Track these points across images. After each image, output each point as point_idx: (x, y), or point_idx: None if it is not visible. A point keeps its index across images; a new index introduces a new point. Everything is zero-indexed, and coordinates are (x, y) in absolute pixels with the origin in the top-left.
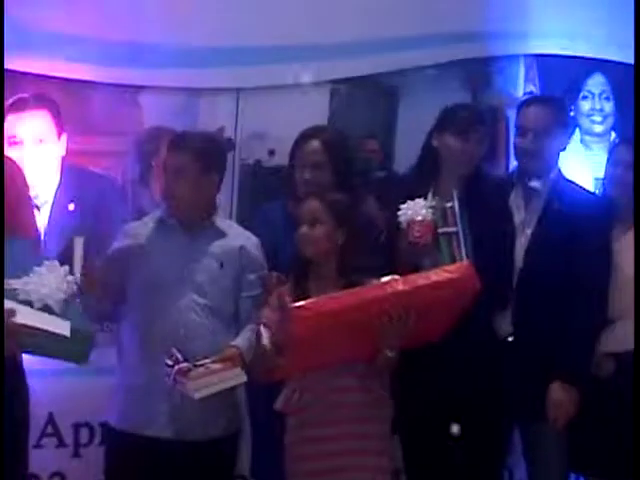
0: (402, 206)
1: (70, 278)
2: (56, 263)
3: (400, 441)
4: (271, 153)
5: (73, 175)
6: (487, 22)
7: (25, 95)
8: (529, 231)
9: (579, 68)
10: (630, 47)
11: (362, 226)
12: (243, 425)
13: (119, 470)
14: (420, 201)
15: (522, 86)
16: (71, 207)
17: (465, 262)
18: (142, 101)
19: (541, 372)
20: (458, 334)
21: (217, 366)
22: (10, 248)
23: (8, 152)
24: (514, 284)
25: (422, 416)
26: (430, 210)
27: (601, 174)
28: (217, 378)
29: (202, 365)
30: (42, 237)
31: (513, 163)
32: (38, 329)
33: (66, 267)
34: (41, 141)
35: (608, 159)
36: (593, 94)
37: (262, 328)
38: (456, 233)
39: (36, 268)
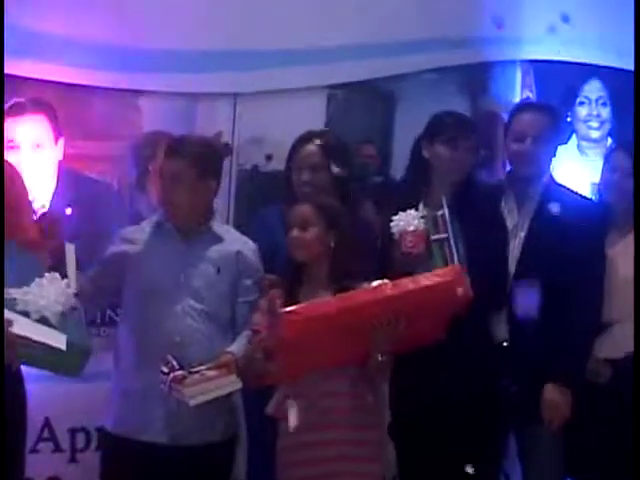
0: (394, 217)
1: (70, 291)
2: (57, 275)
3: (395, 447)
4: (268, 158)
5: (70, 180)
6: (483, 28)
7: (22, 100)
8: (522, 234)
9: (576, 74)
10: (627, 53)
11: (359, 230)
12: (240, 430)
13: (115, 475)
14: (412, 212)
15: (519, 92)
16: (68, 211)
17: (455, 265)
18: (140, 106)
19: (536, 376)
20: (453, 339)
21: (212, 373)
22: (10, 254)
23: (5, 156)
24: (508, 288)
25: (417, 422)
26: (422, 220)
27: (597, 180)
28: (212, 385)
29: (197, 372)
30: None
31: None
32: (34, 341)
33: (67, 280)
34: (38, 146)
35: (604, 165)
36: (590, 100)
37: (251, 333)
38: (447, 239)
39: (37, 279)
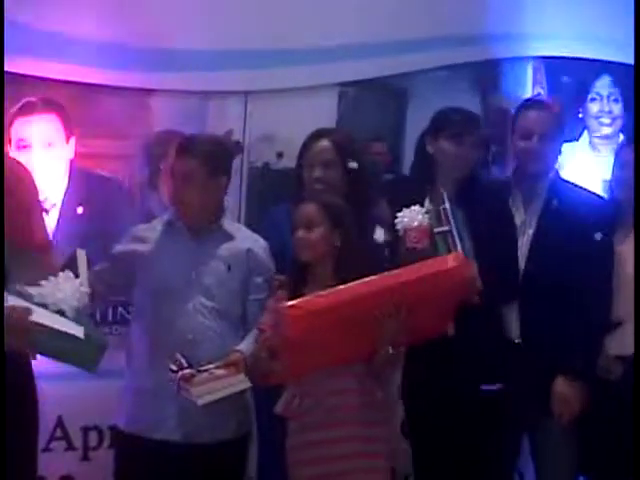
0: (398, 214)
1: (84, 290)
2: (71, 274)
3: (410, 444)
4: (279, 156)
5: (81, 178)
6: (493, 24)
7: (33, 99)
8: (530, 231)
9: (587, 70)
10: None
11: (370, 229)
12: (252, 428)
13: (128, 473)
14: (416, 208)
15: (530, 88)
16: (79, 210)
17: (456, 253)
18: (151, 105)
19: (547, 372)
20: (465, 334)
21: (221, 372)
22: (21, 257)
23: (17, 156)
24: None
25: (431, 419)
26: (426, 216)
27: (609, 176)
28: (221, 384)
29: (206, 371)
30: (53, 241)
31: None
32: (52, 329)
33: (81, 279)
34: (49, 145)
35: (615, 161)
36: (602, 96)
37: (257, 332)
38: (450, 231)
39: (51, 277)
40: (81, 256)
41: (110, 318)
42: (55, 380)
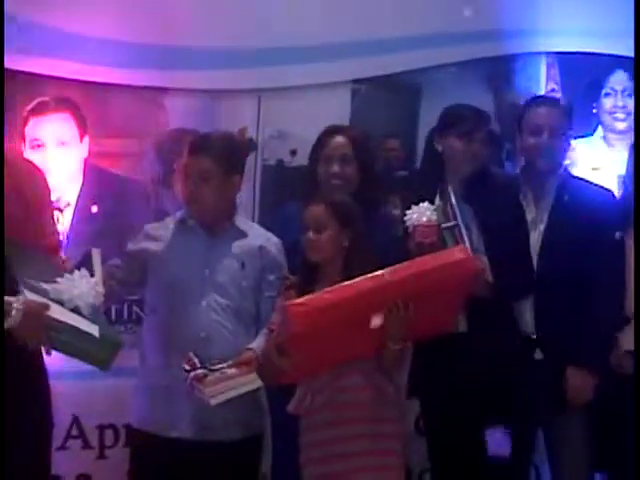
0: (407, 211)
1: (100, 289)
2: (86, 273)
3: (425, 440)
4: (293, 153)
5: (96, 177)
6: (507, 20)
7: (46, 98)
8: (542, 227)
9: (601, 65)
10: None
11: (381, 226)
12: (266, 425)
13: (144, 471)
14: (425, 204)
15: (544, 84)
16: (94, 209)
17: (460, 246)
18: (165, 103)
19: (561, 366)
20: (479, 328)
21: (233, 371)
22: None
23: (31, 155)
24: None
25: (446, 414)
26: (435, 212)
27: (623, 171)
28: (233, 384)
29: (218, 370)
30: (63, 242)
31: None
32: (69, 325)
33: (96, 279)
34: (63, 143)
35: (629, 156)
36: (616, 91)
37: (267, 331)
38: (457, 226)
39: (67, 275)
40: (96, 255)
41: (125, 316)
42: (71, 379)
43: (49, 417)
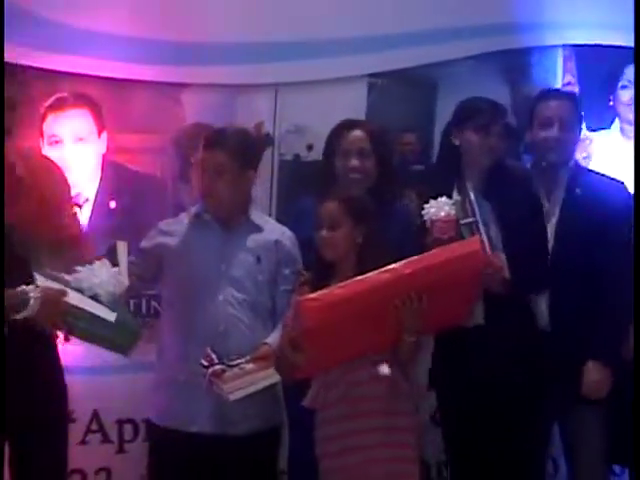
0: (425, 205)
1: (121, 278)
2: (107, 262)
3: (442, 433)
4: (310, 148)
5: (114, 172)
6: (523, 13)
7: (64, 94)
8: (554, 220)
9: (617, 57)
10: None
11: (396, 221)
12: (283, 419)
13: (163, 465)
14: (442, 199)
15: (560, 77)
16: (112, 204)
17: (473, 238)
18: (182, 99)
19: (577, 360)
20: (495, 322)
21: (251, 366)
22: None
23: (49, 151)
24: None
25: (463, 407)
26: (453, 207)
27: None
28: (251, 379)
29: (236, 365)
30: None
31: None
32: (85, 311)
33: (120, 269)
34: (81, 139)
35: None
36: (632, 83)
37: (281, 327)
38: (475, 222)
39: (87, 265)
40: (121, 248)
41: (144, 311)
42: (90, 374)
43: (64, 412)
